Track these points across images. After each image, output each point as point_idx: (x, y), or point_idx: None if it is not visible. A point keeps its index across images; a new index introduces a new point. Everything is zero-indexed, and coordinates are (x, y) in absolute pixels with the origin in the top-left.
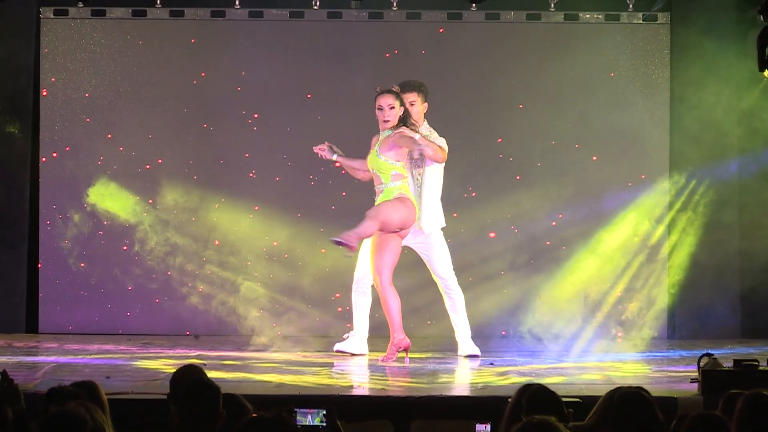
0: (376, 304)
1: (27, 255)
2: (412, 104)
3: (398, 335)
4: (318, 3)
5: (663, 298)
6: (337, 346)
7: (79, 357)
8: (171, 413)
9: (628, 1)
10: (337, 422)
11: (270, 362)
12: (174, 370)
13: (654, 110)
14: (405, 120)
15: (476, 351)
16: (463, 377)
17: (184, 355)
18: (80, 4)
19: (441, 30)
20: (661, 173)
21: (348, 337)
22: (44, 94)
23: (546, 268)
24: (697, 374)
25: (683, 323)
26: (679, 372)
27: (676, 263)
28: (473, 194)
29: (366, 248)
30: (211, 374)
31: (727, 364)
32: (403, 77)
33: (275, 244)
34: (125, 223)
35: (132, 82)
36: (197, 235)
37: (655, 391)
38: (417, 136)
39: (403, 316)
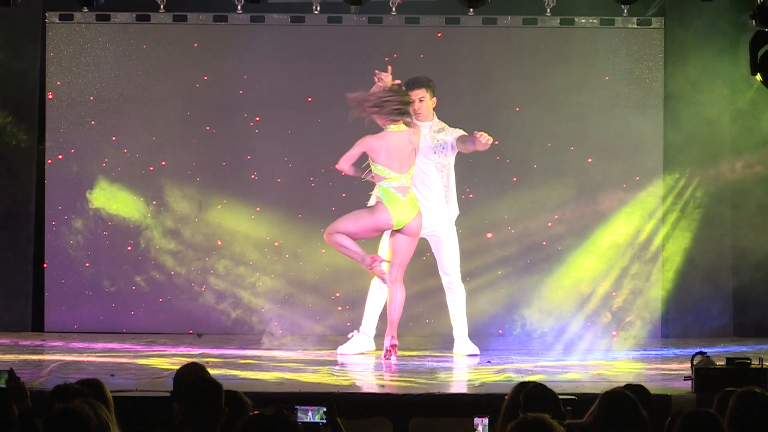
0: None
1: (33, 255)
2: (422, 100)
3: (390, 332)
4: (318, 8)
5: (657, 297)
6: (340, 349)
7: (84, 355)
8: (174, 410)
9: (623, 6)
10: (337, 419)
11: (271, 360)
12: (177, 368)
13: (648, 112)
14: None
15: (473, 350)
16: (461, 375)
17: (187, 353)
18: (85, 9)
19: (439, 34)
20: (655, 174)
21: (352, 336)
22: (50, 97)
23: (542, 268)
24: (690, 372)
25: (677, 322)
26: (673, 370)
27: (670, 262)
28: (470, 195)
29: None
30: (213, 372)
31: (720, 363)
32: (401, 80)
33: (276, 244)
34: (129, 223)
35: (136, 86)
36: (200, 235)
37: (648, 388)
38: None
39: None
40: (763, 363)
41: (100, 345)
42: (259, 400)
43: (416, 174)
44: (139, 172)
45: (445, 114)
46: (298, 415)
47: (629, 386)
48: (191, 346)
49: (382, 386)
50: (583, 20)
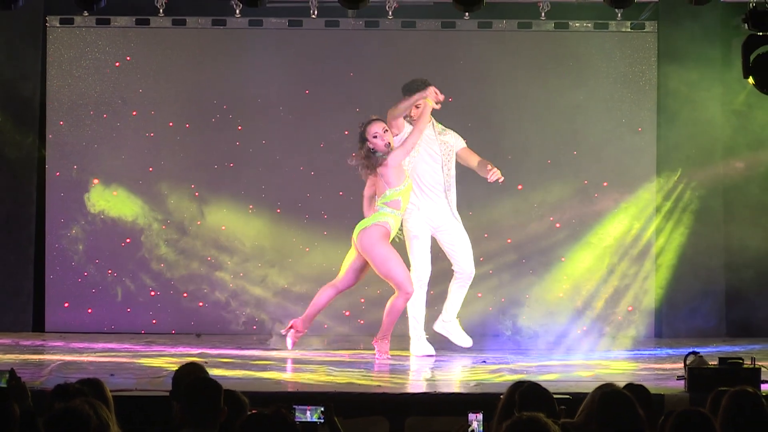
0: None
1: (34, 256)
2: (417, 106)
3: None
4: (316, 12)
5: (650, 298)
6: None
7: (84, 355)
8: (174, 410)
9: (617, 10)
10: (335, 418)
11: (269, 360)
12: (176, 368)
13: (642, 114)
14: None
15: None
16: (457, 374)
17: (187, 353)
18: (85, 13)
19: (436, 38)
20: (648, 175)
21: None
22: (50, 100)
23: (537, 269)
24: (683, 372)
25: (670, 322)
26: (666, 369)
27: (664, 263)
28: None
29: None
30: (212, 372)
31: (713, 362)
32: (398, 83)
33: (274, 245)
34: (128, 225)
35: (135, 89)
36: (200, 236)
37: None
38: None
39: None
40: (756, 363)
41: (100, 345)
42: (257, 400)
43: (423, 174)
44: (138, 173)
45: (441, 116)
46: (296, 414)
47: (630, 385)
48: (190, 346)
49: (379, 385)
50: (577, 24)
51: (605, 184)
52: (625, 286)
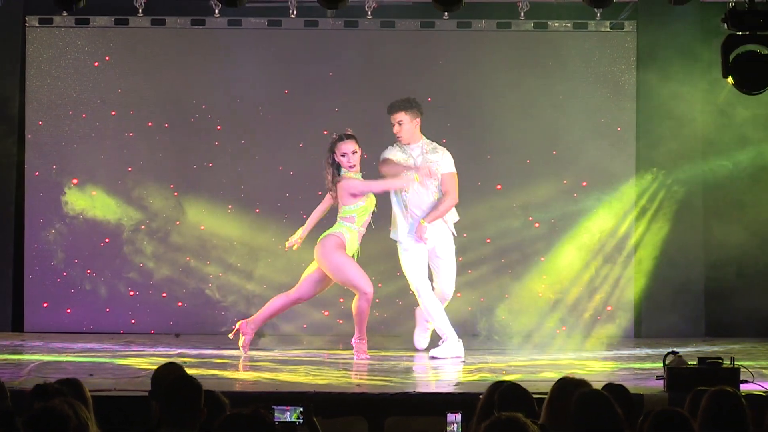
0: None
1: (13, 256)
2: (400, 123)
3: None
4: (295, 12)
5: (630, 297)
6: (433, 352)
7: (63, 355)
8: (153, 409)
9: (596, 10)
10: (314, 419)
11: (249, 360)
12: (155, 368)
13: (621, 114)
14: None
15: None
16: (436, 374)
17: (166, 353)
18: (64, 13)
19: (415, 38)
20: (628, 175)
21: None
22: (29, 100)
23: (516, 268)
24: (662, 372)
25: (650, 321)
26: (645, 369)
27: (644, 262)
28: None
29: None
30: (191, 372)
31: (692, 362)
32: (377, 83)
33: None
34: (107, 225)
35: (115, 89)
36: (177, 237)
37: None
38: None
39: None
40: (735, 363)
41: (79, 345)
42: (236, 400)
43: (412, 195)
44: (117, 173)
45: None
46: (275, 414)
47: (609, 385)
48: (169, 347)
49: (358, 385)
50: (556, 24)
51: (584, 183)
52: (605, 285)
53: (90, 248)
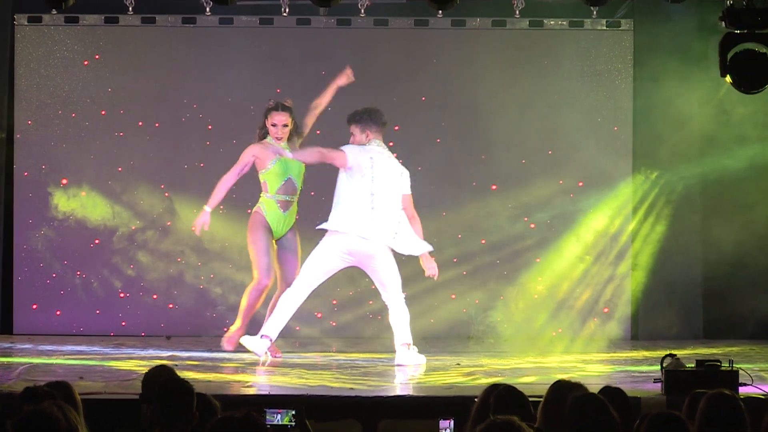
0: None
1: (1, 257)
2: (352, 134)
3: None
4: (287, 10)
5: (627, 299)
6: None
7: (52, 358)
8: (143, 413)
9: (592, 8)
10: (306, 422)
11: (240, 363)
12: (146, 371)
13: (618, 113)
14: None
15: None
16: (431, 377)
17: (156, 355)
18: (54, 12)
19: (408, 36)
20: (625, 174)
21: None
22: (18, 99)
23: (511, 270)
24: (660, 374)
25: (647, 324)
26: (643, 372)
27: (641, 264)
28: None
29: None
30: (182, 375)
31: (690, 365)
32: (370, 82)
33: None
34: (97, 225)
35: (104, 88)
36: (168, 237)
37: None
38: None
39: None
40: (733, 365)
41: (68, 347)
42: (228, 403)
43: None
44: (107, 173)
45: (414, 117)
46: (267, 417)
47: (606, 388)
48: (160, 349)
49: (352, 388)
50: (552, 22)
51: (581, 183)
52: (601, 287)
53: (80, 249)
